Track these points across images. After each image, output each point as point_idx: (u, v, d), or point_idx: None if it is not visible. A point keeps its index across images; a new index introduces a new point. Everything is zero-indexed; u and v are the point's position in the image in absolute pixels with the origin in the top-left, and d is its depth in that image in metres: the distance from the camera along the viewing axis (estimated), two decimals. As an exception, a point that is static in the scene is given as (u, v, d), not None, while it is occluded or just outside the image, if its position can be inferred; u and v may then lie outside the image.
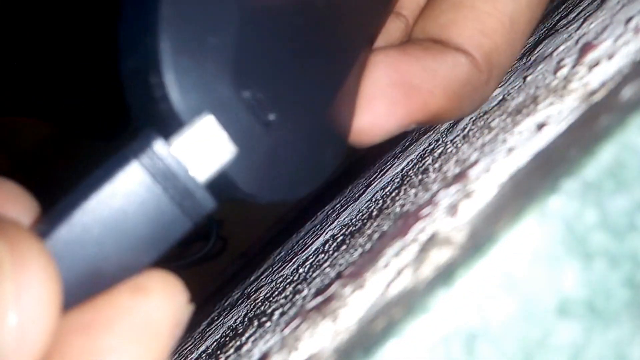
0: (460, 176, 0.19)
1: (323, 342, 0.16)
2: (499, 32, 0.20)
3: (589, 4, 0.25)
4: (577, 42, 0.22)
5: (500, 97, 0.25)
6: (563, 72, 0.20)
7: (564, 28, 0.26)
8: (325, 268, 0.24)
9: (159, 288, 0.13)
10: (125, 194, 0.13)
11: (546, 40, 0.27)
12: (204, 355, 0.31)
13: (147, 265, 0.13)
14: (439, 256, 0.14)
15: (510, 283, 0.13)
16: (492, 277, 0.13)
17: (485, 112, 0.25)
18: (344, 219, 0.32)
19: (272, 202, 0.15)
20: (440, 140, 0.28)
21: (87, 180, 0.13)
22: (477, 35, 0.20)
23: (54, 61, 0.57)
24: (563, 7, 0.31)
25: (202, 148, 0.14)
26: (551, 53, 0.24)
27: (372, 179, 0.36)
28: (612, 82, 0.16)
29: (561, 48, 0.23)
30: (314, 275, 0.25)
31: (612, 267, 0.13)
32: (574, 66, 0.20)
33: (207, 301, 0.59)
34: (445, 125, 0.31)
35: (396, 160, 0.35)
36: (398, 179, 0.28)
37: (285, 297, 0.26)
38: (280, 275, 0.33)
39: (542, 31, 0.30)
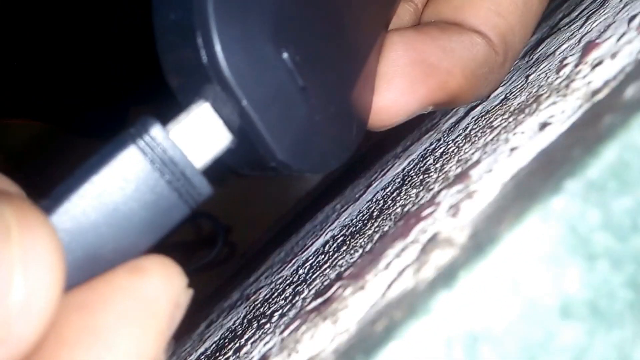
0: (462, 176, 0.19)
1: (323, 344, 0.16)
2: (513, 13, 0.20)
3: (591, 2, 0.25)
4: (579, 40, 0.22)
5: (503, 96, 0.25)
6: (566, 71, 0.20)
7: (567, 27, 0.26)
8: (325, 269, 0.24)
9: (156, 269, 0.13)
10: (123, 178, 0.13)
11: (549, 39, 0.27)
12: (202, 357, 0.31)
13: (144, 250, 0.13)
14: (441, 257, 0.14)
15: (513, 284, 0.12)
16: (494, 278, 0.12)
17: (488, 112, 0.25)
18: (345, 219, 0.32)
19: (303, 172, 0.15)
20: (442, 139, 0.28)
21: (85, 164, 0.13)
22: (492, 16, 0.20)
23: (53, 61, 0.57)
24: (565, 5, 0.31)
25: (200, 134, 0.14)
26: (554, 52, 0.24)
27: (372, 179, 0.36)
28: (615, 81, 0.16)
29: (564, 47, 0.23)
30: (314, 276, 0.25)
31: (615, 268, 0.13)
32: (576, 65, 0.20)
33: (206, 302, 0.59)
34: (447, 125, 0.31)
35: (397, 160, 0.35)
36: (399, 179, 0.28)
37: (285, 298, 0.26)
38: (279, 276, 0.33)
39: (545, 30, 0.30)
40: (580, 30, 0.23)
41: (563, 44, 0.24)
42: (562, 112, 0.17)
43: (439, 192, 0.19)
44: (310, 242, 0.34)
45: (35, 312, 0.11)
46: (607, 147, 0.13)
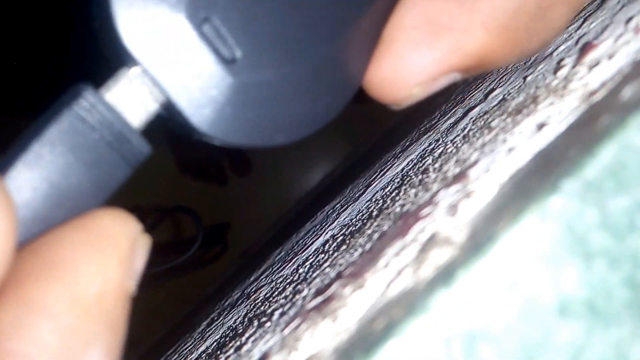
0: (460, 176, 0.19)
1: (323, 342, 0.16)
2: None
3: (589, 3, 0.25)
4: (577, 42, 0.22)
5: (501, 97, 0.25)
6: (563, 72, 0.20)
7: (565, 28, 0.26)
8: (325, 268, 0.24)
9: (104, 212, 0.13)
10: (63, 144, 0.13)
11: (546, 40, 0.27)
12: (204, 355, 0.31)
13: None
14: (439, 256, 0.14)
15: (511, 283, 0.13)
16: (492, 277, 0.13)
17: (486, 112, 0.25)
18: (344, 219, 0.32)
19: (231, 144, 0.15)
20: (441, 140, 0.28)
21: (25, 134, 0.13)
22: None
23: (54, 60, 0.56)
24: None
25: (134, 94, 0.14)
26: (551, 53, 0.24)
27: (372, 179, 0.36)
28: (612, 82, 0.16)
29: (561, 48, 0.23)
30: (314, 275, 0.25)
31: (612, 267, 0.13)
32: (574, 66, 0.20)
33: (207, 301, 0.59)
34: (445, 125, 0.31)
35: (396, 160, 0.35)
36: (398, 179, 0.28)
37: (285, 297, 0.26)
38: (280, 275, 0.33)
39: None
40: (578, 32, 0.23)
41: (560, 45, 0.24)
42: (559, 113, 0.17)
43: (437, 192, 0.19)
44: (311, 242, 0.34)
45: None
46: (604, 147, 0.13)
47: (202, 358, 0.31)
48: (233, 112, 0.15)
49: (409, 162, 0.30)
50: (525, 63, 0.27)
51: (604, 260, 0.13)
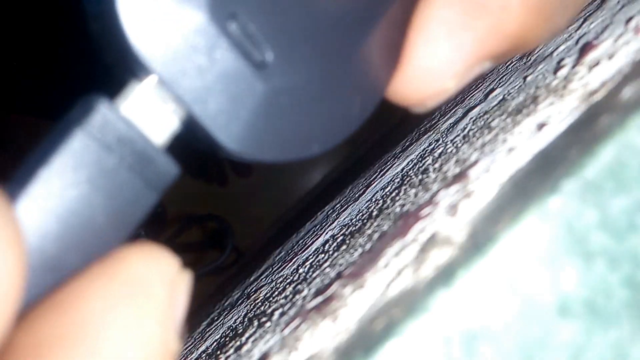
0: (460, 176, 0.19)
1: (323, 342, 0.16)
2: None
3: (589, 3, 0.25)
4: (577, 42, 0.22)
5: (501, 97, 0.25)
6: (563, 72, 0.20)
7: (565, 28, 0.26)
8: (325, 268, 0.24)
9: (136, 252, 0.11)
10: (75, 171, 0.11)
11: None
12: (203, 355, 0.31)
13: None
14: (439, 256, 0.14)
15: (511, 283, 0.13)
16: (492, 277, 0.13)
17: (486, 112, 0.25)
18: (344, 219, 0.32)
19: (273, 161, 0.13)
20: (441, 140, 0.28)
21: (25, 162, 0.11)
22: None
23: (55, 59, 0.56)
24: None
25: (153, 107, 0.12)
26: (551, 53, 0.24)
27: (372, 179, 0.36)
28: (612, 82, 0.16)
29: (561, 48, 0.23)
30: (314, 275, 0.25)
31: (612, 267, 0.13)
32: (574, 66, 0.20)
33: (207, 301, 0.59)
34: (445, 125, 0.31)
35: (396, 160, 0.35)
36: (398, 179, 0.28)
37: (285, 297, 0.26)
38: (280, 275, 0.33)
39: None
40: (578, 32, 0.23)
41: (560, 45, 0.24)
42: (559, 113, 0.17)
43: (437, 192, 0.19)
44: (311, 241, 0.34)
45: None
46: (604, 147, 0.13)
47: (202, 358, 0.31)
48: (266, 124, 0.13)
49: (409, 162, 0.30)
50: (525, 63, 0.27)
51: (603, 260, 0.13)
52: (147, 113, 0.12)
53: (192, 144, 0.13)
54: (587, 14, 0.24)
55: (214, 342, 0.32)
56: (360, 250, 0.22)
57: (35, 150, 0.11)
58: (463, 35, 0.14)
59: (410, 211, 0.20)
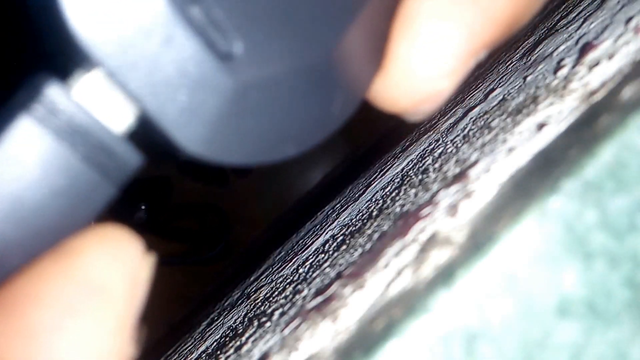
0: (460, 176, 0.19)
1: (323, 342, 0.16)
2: None
3: (589, 3, 0.25)
4: (577, 42, 0.22)
5: (501, 97, 0.25)
6: (563, 72, 0.20)
7: (564, 28, 0.26)
8: (325, 268, 0.24)
9: (95, 241, 0.10)
10: (18, 159, 0.10)
11: (546, 40, 0.27)
12: (203, 355, 0.31)
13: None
14: (439, 256, 0.14)
15: (511, 283, 0.13)
16: (492, 277, 0.13)
17: (486, 112, 0.25)
18: (344, 219, 0.32)
19: (231, 164, 0.12)
20: (440, 140, 0.28)
21: None
22: None
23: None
24: (563, 7, 0.31)
25: (107, 96, 0.11)
26: (551, 53, 0.24)
27: (372, 179, 0.36)
28: (613, 82, 0.16)
29: (561, 48, 0.23)
30: (314, 275, 0.25)
31: (612, 267, 0.13)
32: (574, 66, 0.20)
33: (207, 301, 0.59)
34: (446, 125, 0.31)
35: (396, 160, 0.35)
36: (398, 179, 0.28)
37: (285, 297, 0.26)
38: (280, 275, 0.33)
39: (543, 31, 0.30)
40: (578, 32, 0.23)
41: (560, 45, 0.24)
42: (559, 113, 0.17)
43: (437, 192, 0.19)
44: (311, 241, 0.35)
45: None
46: (604, 147, 0.13)
47: (202, 358, 0.31)
48: (232, 123, 0.11)
49: (408, 162, 0.30)
50: (525, 63, 0.27)
51: (603, 260, 0.13)
52: (101, 100, 0.11)
53: (150, 140, 0.11)
54: (587, 14, 0.24)
55: (214, 342, 0.32)
56: (360, 250, 0.22)
57: None
58: (453, 26, 0.12)
59: (410, 211, 0.20)
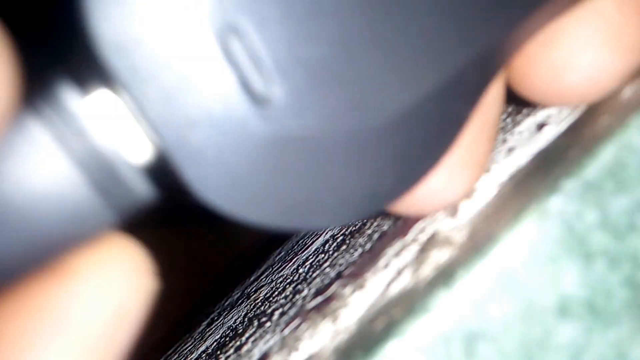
0: (460, 176, 0.19)
1: (323, 342, 0.16)
2: None
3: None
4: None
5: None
6: (563, 72, 0.20)
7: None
8: (325, 268, 0.24)
9: (85, 268, 0.09)
10: (24, 167, 0.09)
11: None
12: (203, 355, 0.31)
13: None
14: (439, 256, 0.14)
15: (510, 283, 0.13)
16: (492, 277, 0.13)
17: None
18: (344, 218, 0.32)
19: (247, 223, 0.11)
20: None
21: None
22: None
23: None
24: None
25: (127, 121, 0.10)
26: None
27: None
28: (613, 82, 0.16)
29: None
30: (314, 275, 0.25)
31: (612, 267, 0.13)
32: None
33: (207, 301, 0.59)
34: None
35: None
36: (398, 179, 0.28)
37: (285, 297, 0.26)
38: (280, 275, 0.33)
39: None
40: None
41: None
42: (559, 113, 0.17)
43: (438, 191, 0.19)
44: (311, 242, 0.35)
45: None
46: (604, 147, 0.13)
47: (202, 358, 0.31)
48: (257, 177, 0.10)
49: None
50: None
51: (603, 260, 0.13)
52: (120, 126, 0.10)
53: (168, 179, 0.10)
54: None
55: (214, 342, 0.32)
56: (360, 250, 0.22)
57: None
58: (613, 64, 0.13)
59: (410, 211, 0.20)
